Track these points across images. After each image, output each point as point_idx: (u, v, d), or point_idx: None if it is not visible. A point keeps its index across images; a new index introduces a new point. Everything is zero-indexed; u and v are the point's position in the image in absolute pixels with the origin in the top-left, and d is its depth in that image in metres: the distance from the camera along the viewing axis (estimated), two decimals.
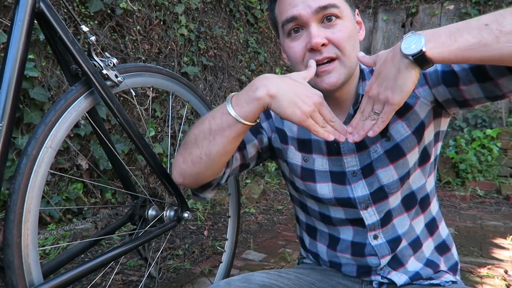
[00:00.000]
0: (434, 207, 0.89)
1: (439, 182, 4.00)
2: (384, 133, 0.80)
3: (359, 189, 0.83)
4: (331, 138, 0.67)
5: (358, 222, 0.86)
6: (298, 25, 0.74)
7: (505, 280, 1.78)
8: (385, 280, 0.86)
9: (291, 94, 0.66)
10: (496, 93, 0.67)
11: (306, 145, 0.87)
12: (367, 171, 0.82)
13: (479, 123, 4.52)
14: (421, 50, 0.57)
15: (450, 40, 0.57)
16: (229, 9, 3.40)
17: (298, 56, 0.76)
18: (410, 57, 0.58)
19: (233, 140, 0.72)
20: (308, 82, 0.73)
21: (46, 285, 0.82)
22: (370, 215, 0.84)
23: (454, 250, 0.92)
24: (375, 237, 0.84)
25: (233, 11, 3.44)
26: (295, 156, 0.89)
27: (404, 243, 0.85)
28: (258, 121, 0.72)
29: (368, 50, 5.14)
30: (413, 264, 0.86)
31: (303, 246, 1.01)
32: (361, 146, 0.82)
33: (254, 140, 0.90)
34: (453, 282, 0.86)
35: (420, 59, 0.58)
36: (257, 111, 0.68)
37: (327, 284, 0.88)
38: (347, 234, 0.88)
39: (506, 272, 1.87)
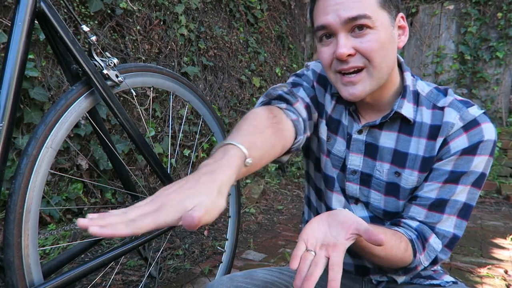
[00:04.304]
0: None
1: None
2: (399, 164, 0.80)
3: (351, 190, 0.86)
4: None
5: None
6: (329, 33, 0.73)
7: (505, 280, 1.78)
8: (384, 278, 0.86)
9: None
10: None
11: (335, 125, 0.87)
12: (365, 181, 0.83)
13: None
14: None
15: None
16: (229, 9, 3.40)
17: (326, 62, 0.75)
18: None
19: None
20: (335, 87, 0.78)
21: (46, 285, 0.82)
22: (359, 210, 0.86)
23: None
24: None
25: (233, 11, 3.44)
26: (324, 132, 0.89)
27: None
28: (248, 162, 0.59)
29: None
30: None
31: None
32: (371, 152, 0.82)
33: (315, 113, 0.88)
34: (454, 282, 0.87)
35: None
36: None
37: (327, 282, 0.88)
38: None
39: (506, 272, 1.87)
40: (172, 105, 2.69)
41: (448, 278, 0.87)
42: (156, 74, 1.17)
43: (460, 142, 0.74)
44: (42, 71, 1.91)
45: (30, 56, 1.84)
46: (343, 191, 0.87)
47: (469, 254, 2.11)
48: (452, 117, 0.75)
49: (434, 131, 0.77)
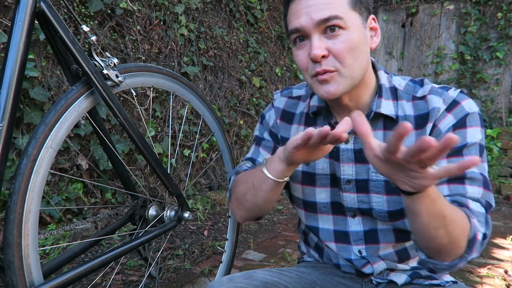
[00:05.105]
0: None
1: None
2: None
3: (349, 200, 0.85)
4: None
5: (342, 237, 0.88)
6: (302, 35, 0.75)
7: (505, 280, 1.78)
8: (385, 280, 0.86)
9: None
10: None
11: None
12: (362, 187, 0.83)
13: None
14: None
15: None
16: (229, 9, 3.40)
17: (302, 65, 0.77)
18: None
19: (271, 192, 0.79)
20: (312, 89, 0.80)
21: (47, 285, 0.82)
22: (355, 224, 0.86)
23: None
24: (360, 252, 0.86)
25: (233, 11, 3.44)
26: None
27: (391, 260, 0.86)
28: (286, 179, 0.77)
29: None
30: (410, 264, 0.86)
31: (305, 240, 1.01)
32: (361, 158, 0.82)
33: None
34: (454, 282, 0.87)
35: None
36: (283, 170, 0.74)
37: (328, 283, 0.88)
38: (333, 248, 0.91)
39: (506, 272, 1.87)
40: (172, 105, 2.69)
41: (448, 277, 0.87)
42: (156, 74, 1.17)
43: (448, 121, 0.76)
44: (42, 71, 1.91)
45: (30, 56, 1.84)
46: (339, 206, 0.87)
47: None
48: (437, 102, 0.78)
49: (421, 120, 0.79)
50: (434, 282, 0.85)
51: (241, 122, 3.58)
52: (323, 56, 0.72)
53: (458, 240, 0.66)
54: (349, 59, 0.73)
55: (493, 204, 0.74)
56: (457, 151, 0.75)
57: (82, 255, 1.79)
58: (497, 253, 2.14)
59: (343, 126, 0.61)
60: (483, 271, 1.87)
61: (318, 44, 0.72)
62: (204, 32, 3.00)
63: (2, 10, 1.77)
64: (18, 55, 0.80)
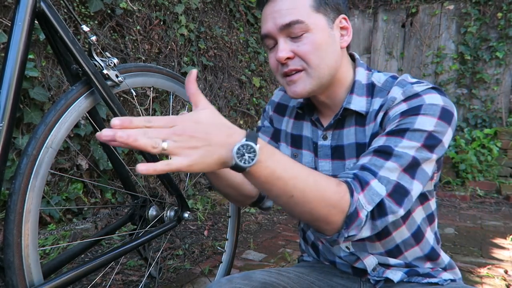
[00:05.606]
0: (420, 215, 0.85)
1: (439, 182, 3.99)
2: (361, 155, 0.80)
3: None
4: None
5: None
6: (271, 39, 0.79)
7: (505, 280, 1.78)
8: (382, 278, 0.86)
9: None
10: None
11: (297, 140, 0.92)
12: None
13: (479, 123, 4.52)
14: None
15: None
16: (229, 9, 3.40)
17: (273, 67, 0.81)
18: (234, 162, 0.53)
19: (215, 180, 0.79)
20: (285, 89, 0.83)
21: (47, 285, 0.82)
22: None
23: (442, 254, 0.89)
24: (347, 248, 0.86)
25: (233, 11, 3.44)
26: (286, 152, 0.93)
27: (383, 254, 0.86)
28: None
29: (368, 50, 5.14)
30: (405, 259, 0.86)
31: (304, 238, 1.02)
32: (338, 155, 0.84)
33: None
34: (452, 280, 0.86)
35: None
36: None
37: (326, 283, 0.88)
38: (322, 246, 0.92)
39: (506, 272, 1.87)
40: (172, 105, 2.69)
41: (446, 276, 0.86)
42: (156, 74, 1.17)
43: (399, 108, 0.73)
44: (42, 71, 1.91)
45: (30, 56, 1.85)
46: None
47: (469, 254, 2.11)
48: (395, 93, 0.76)
49: (378, 112, 0.79)
50: (432, 280, 0.84)
51: (241, 122, 3.58)
52: (288, 58, 0.76)
53: (325, 217, 0.63)
54: (315, 60, 0.76)
55: (409, 189, 0.67)
56: (399, 132, 0.70)
57: (82, 255, 1.79)
58: (497, 253, 2.14)
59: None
60: (483, 271, 1.87)
61: (283, 47, 0.76)
62: (204, 32, 3.00)
63: (2, 10, 1.77)
64: (18, 55, 0.80)
